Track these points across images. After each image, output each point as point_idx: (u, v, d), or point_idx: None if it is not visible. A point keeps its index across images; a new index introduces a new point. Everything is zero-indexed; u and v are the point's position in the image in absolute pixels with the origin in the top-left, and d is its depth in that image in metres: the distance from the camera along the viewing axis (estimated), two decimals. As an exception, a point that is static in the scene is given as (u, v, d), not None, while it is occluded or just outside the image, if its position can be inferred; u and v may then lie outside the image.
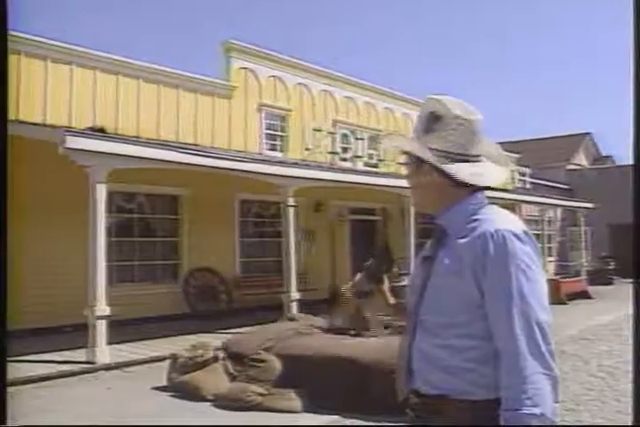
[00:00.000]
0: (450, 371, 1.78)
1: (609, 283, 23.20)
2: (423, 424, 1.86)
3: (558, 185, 28.63)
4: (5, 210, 2.50)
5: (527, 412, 1.63)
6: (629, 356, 8.86)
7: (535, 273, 1.75)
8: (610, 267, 24.37)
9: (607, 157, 36.82)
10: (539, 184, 26.07)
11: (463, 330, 1.78)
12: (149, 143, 9.80)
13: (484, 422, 1.74)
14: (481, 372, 1.76)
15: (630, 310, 13.06)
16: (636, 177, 2.42)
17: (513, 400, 1.66)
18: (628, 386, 7.08)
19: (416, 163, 1.97)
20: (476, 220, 1.85)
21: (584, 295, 18.20)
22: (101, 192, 8.42)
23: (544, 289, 1.77)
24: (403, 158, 2.00)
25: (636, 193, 2.40)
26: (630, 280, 20.07)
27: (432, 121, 1.96)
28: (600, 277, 22.93)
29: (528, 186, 23.91)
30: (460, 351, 1.78)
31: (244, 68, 15.59)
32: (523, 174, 23.80)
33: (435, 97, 1.99)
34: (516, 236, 1.76)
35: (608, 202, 24.99)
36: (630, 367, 8.14)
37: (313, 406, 6.08)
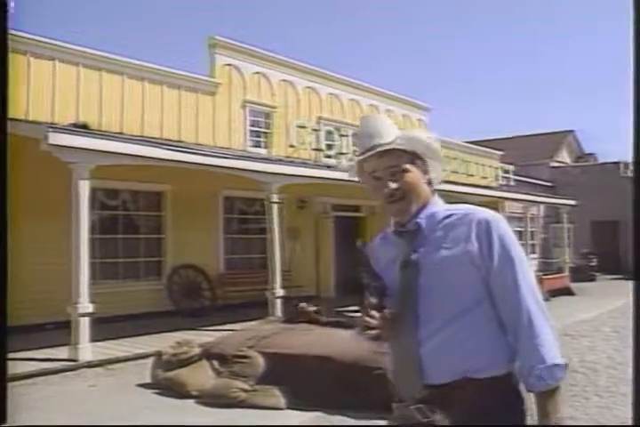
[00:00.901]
0: (468, 354, 1.89)
1: (591, 279, 23.41)
2: (437, 414, 1.90)
3: (541, 182, 28.82)
4: (5, 208, 2.50)
5: (552, 363, 1.84)
6: (611, 351, 8.99)
7: (520, 247, 2.01)
8: (592, 263, 24.58)
9: (590, 154, 37.09)
10: (522, 181, 26.21)
11: (472, 315, 1.92)
12: (133, 140, 9.76)
13: (503, 397, 1.89)
14: (494, 350, 1.91)
15: (612, 306, 13.22)
16: (636, 176, 2.45)
17: (536, 357, 1.84)
18: (609, 382, 7.16)
19: (411, 160, 2.07)
20: (459, 211, 2.03)
21: (566, 292, 18.33)
22: (84, 189, 8.38)
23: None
24: (387, 165, 2.06)
25: (636, 191, 2.43)
26: (612, 277, 20.32)
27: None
28: (582, 273, 23.10)
29: (511, 183, 24.01)
30: (473, 335, 1.90)
31: (229, 64, 15.54)
32: (506, 171, 23.88)
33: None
34: (504, 222, 2.00)
35: (591, 199, 25.20)
36: (609, 362, 8.25)
37: (297, 402, 6.10)
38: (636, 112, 2.32)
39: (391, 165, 2.04)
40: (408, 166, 2.05)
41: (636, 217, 2.43)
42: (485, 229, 1.95)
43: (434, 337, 1.91)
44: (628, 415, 5.76)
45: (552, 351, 1.85)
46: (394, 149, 2.05)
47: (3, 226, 2.48)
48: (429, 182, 2.10)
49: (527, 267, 1.97)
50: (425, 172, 2.09)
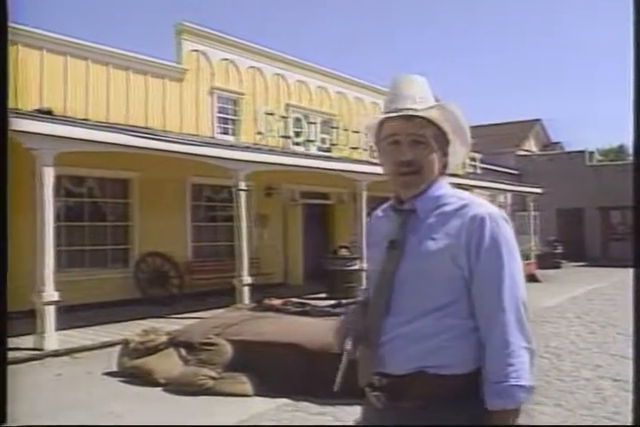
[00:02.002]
0: (430, 350, 1.80)
1: (556, 266, 23.73)
2: (394, 404, 1.85)
3: (508, 170, 29.07)
4: (5, 201, 2.47)
5: (515, 384, 1.73)
6: (574, 337, 9.15)
7: (518, 255, 1.88)
8: (557, 251, 24.90)
9: (556, 143, 37.52)
10: (489, 169, 26.40)
11: (445, 311, 1.82)
12: (98, 126, 9.66)
13: (462, 395, 1.79)
14: (461, 348, 1.81)
15: (576, 292, 13.43)
16: (636, 174, 2.47)
17: (500, 373, 1.74)
18: (572, 367, 7.30)
19: (435, 137, 1.95)
20: (457, 202, 1.91)
21: (532, 279, 18.57)
22: (49, 176, 8.28)
23: (522, 265, 1.90)
24: (416, 133, 1.92)
25: (636, 179, 2.44)
26: (577, 264, 20.64)
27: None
28: (548, 260, 23.41)
29: (478, 171, 24.16)
30: (442, 332, 1.81)
31: (196, 50, 15.40)
32: (473, 159, 24.00)
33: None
34: (504, 219, 1.87)
35: (556, 187, 25.52)
36: (572, 348, 8.40)
37: (264, 389, 6.12)
38: (636, 108, 2.33)
39: (416, 133, 1.91)
40: (431, 140, 1.92)
41: (636, 206, 2.43)
42: (478, 228, 1.82)
43: (399, 328, 1.84)
44: (588, 399, 5.90)
45: (520, 371, 1.73)
46: (424, 118, 1.92)
47: (3, 224, 2.46)
48: (444, 165, 2.00)
49: (517, 275, 1.83)
50: (445, 153, 1.99)
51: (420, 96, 1.96)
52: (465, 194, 1.96)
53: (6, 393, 2.60)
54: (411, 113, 1.91)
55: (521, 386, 1.73)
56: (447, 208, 1.89)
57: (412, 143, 1.91)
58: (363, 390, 1.97)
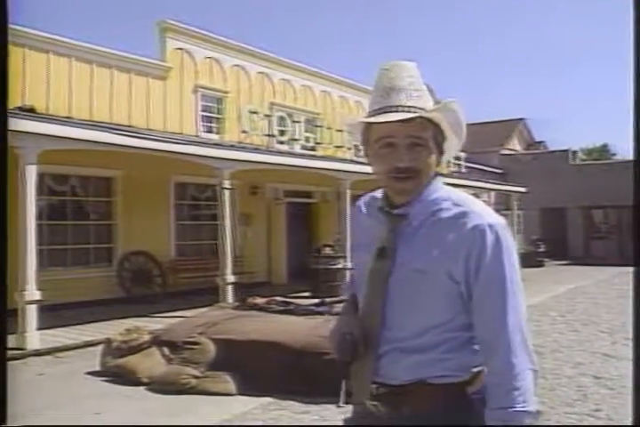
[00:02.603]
0: (428, 362, 1.72)
1: (539, 265, 23.86)
2: (393, 413, 1.77)
3: (492, 169, 29.20)
4: (5, 201, 2.45)
5: (521, 409, 1.62)
6: (556, 335, 9.21)
7: (519, 268, 1.73)
8: (540, 250, 25.04)
9: (540, 142, 37.74)
10: (473, 168, 26.51)
11: (444, 327, 1.72)
12: (82, 124, 9.61)
13: (457, 401, 1.72)
14: (460, 359, 1.72)
15: (559, 291, 13.51)
16: (636, 173, 2.45)
17: (506, 398, 1.62)
18: (554, 364, 7.35)
19: (434, 137, 1.77)
20: (452, 209, 1.73)
21: (515, 277, 18.64)
22: (32, 174, 8.23)
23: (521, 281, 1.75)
24: (417, 134, 1.72)
25: (636, 186, 2.43)
26: (560, 262, 20.74)
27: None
28: (531, 259, 23.51)
29: (463, 170, 24.24)
30: (440, 345, 1.72)
31: (180, 48, 15.36)
32: (458, 158, 24.09)
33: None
34: (505, 229, 1.71)
35: (540, 186, 25.67)
36: (555, 346, 8.46)
37: (247, 388, 6.12)
38: (636, 108, 2.32)
39: (413, 135, 1.71)
40: (430, 142, 1.74)
41: (636, 205, 2.41)
42: (479, 240, 1.66)
43: (396, 343, 1.75)
44: (570, 396, 5.95)
45: (525, 395, 1.62)
46: (423, 118, 1.72)
47: (2, 224, 2.44)
48: (438, 164, 1.81)
49: (519, 293, 1.70)
50: (442, 151, 1.81)
51: (415, 88, 1.76)
52: (462, 197, 1.78)
53: (6, 393, 2.58)
54: (411, 115, 1.70)
55: (528, 412, 1.62)
56: (443, 215, 1.72)
57: (410, 146, 1.71)
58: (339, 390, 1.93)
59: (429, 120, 1.73)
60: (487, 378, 1.69)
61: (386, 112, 1.72)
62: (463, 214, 1.70)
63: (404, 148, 1.71)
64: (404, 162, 1.70)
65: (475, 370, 1.73)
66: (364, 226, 1.91)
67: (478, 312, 1.69)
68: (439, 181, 1.81)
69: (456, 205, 1.73)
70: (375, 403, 1.80)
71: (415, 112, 1.71)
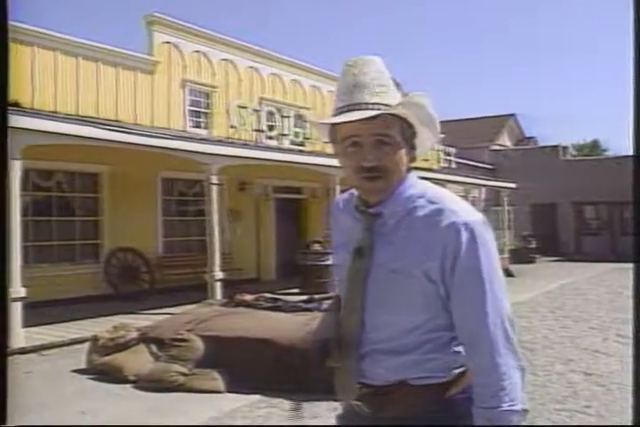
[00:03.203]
0: (410, 363, 1.71)
1: (530, 261, 23.97)
2: (376, 414, 1.78)
3: (482, 165, 29.28)
4: (5, 201, 2.44)
5: (508, 409, 1.60)
6: (547, 332, 9.25)
7: (499, 264, 1.70)
8: (531, 246, 25.17)
9: (530, 137, 37.84)
10: (463, 164, 26.58)
11: (424, 328, 1.70)
12: (67, 118, 9.57)
13: (441, 402, 1.71)
14: (441, 359, 1.71)
15: (549, 287, 13.53)
16: (636, 169, 2.46)
17: (492, 398, 1.61)
18: (545, 361, 7.38)
19: (402, 132, 1.72)
20: (427, 206, 1.69)
21: (506, 273, 18.50)
22: (16, 169, 8.18)
23: (503, 278, 1.72)
24: (382, 130, 1.69)
25: (636, 183, 2.43)
26: (551, 258, 20.76)
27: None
28: (522, 255, 23.63)
29: (453, 166, 24.32)
30: (420, 346, 1.70)
31: (167, 42, 15.29)
32: (447, 154, 24.17)
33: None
34: (483, 226, 1.67)
35: (530, 182, 25.74)
36: (545, 342, 8.50)
37: (236, 386, 6.12)
38: (636, 104, 2.32)
39: (379, 133, 1.68)
40: (398, 138, 1.70)
41: (636, 201, 2.42)
42: (454, 238, 1.63)
43: (376, 344, 1.74)
44: (560, 393, 5.98)
45: (511, 394, 1.61)
46: (387, 114, 1.67)
47: (2, 224, 2.43)
48: (412, 159, 1.78)
49: (499, 289, 1.66)
50: (412, 146, 1.77)
51: (380, 84, 1.72)
52: (438, 193, 1.74)
53: (6, 394, 2.57)
54: (374, 113, 1.65)
55: (515, 411, 1.61)
56: (418, 213, 1.69)
57: (375, 144, 1.68)
58: (327, 387, 1.92)
59: (395, 116, 1.69)
60: (472, 378, 1.67)
61: (349, 110, 1.69)
62: (438, 212, 1.67)
63: (370, 146, 1.68)
64: (370, 161, 1.68)
65: (458, 371, 1.72)
66: (343, 224, 1.90)
67: (457, 312, 1.67)
68: (413, 176, 1.78)
69: (431, 202, 1.70)
70: (358, 403, 1.80)
71: (379, 109, 1.67)
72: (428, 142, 1.84)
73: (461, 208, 1.69)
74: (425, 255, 1.65)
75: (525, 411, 1.63)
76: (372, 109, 1.67)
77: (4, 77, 2.39)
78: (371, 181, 1.70)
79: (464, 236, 1.63)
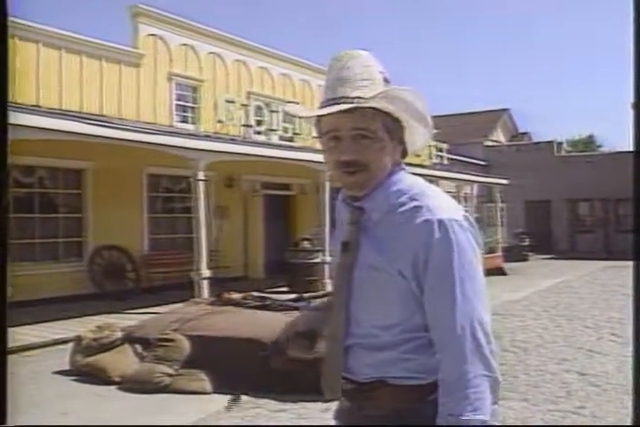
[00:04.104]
0: (388, 361, 1.71)
1: (524, 259, 24.06)
2: (358, 411, 1.79)
3: (475, 161, 29.34)
4: (5, 201, 2.42)
5: (468, 418, 1.58)
6: (541, 331, 9.28)
7: (476, 267, 1.67)
8: (525, 243, 25.24)
9: (524, 133, 37.94)
10: (456, 160, 26.62)
11: (401, 327, 1.70)
12: (50, 113, 9.52)
13: (419, 405, 1.70)
14: (421, 360, 1.69)
15: (543, 286, 13.57)
16: (635, 165, 2.46)
17: (454, 406, 1.59)
18: (538, 361, 7.41)
19: (385, 127, 1.72)
20: (408, 203, 1.69)
21: (499, 272, 18.78)
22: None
23: (483, 282, 1.69)
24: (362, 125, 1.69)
25: (636, 179, 2.43)
26: (544, 256, 20.83)
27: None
28: (515, 253, 23.71)
29: (445, 162, 24.34)
30: (399, 345, 1.70)
31: (153, 34, 15.22)
32: (439, 150, 24.19)
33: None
34: (460, 225, 1.65)
35: (524, 179, 25.82)
36: (539, 341, 8.52)
37: (223, 386, 6.11)
38: (636, 99, 2.32)
39: (358, 127, 1.69)
40: (380, 133, 1.70)
41: (636, 197, 2.42)
42: (427, 236, 1.62)
43: (357, 338, 1.76)
44: (554, 393, 5.99)
45: (475, 404, 1.58)
46: (369, 108, 1.68)
47: (2, 225, 2.41)
48: (403, 153, 1.80)
49: (471, 293, 1.63)
50: (400, 140, 1.77)
51: (364, 78, 1.72)
52: (422, 190, 1.73)
53: (6, 394, 2.56)
54: (352, 105, 1.66)
55: (476, 420, 1.58)
56: (399, 209, 1.69)
57: (355, 138, 1.69)
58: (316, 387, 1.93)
59: (376, 110, 1.69)
60: (439, 382, 1.65)
61: (330, 105, 1.69)
62: (415, 209, 1.66)
63: (349, 140, 1.69)
64: (348, 155, 1.69)
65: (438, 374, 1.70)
66: (340, 218, 1.92)
67: (428, 313, 1.66)
68: (402, 172, 1.79)
69: (412, 199, 1.70)
70: (342, 398, 1.83)
71: (359, 103, 1.67)
72: (420, 137, 1.84)
73: (440, 206, 1.67)
74: (399, 252, 1.65)
75: (486, 423, 1.59)
76: (352, 103, 1.67)
77: (4, 74, 2.39)
78: (350, 176, 1.72)
79: (436, 234, 1.62)
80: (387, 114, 1.71)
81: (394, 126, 1.74)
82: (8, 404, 2.52)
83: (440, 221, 1.63)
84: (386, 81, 1.77)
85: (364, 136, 1.69)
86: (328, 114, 1.68)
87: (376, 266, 1.69)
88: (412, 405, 1.71)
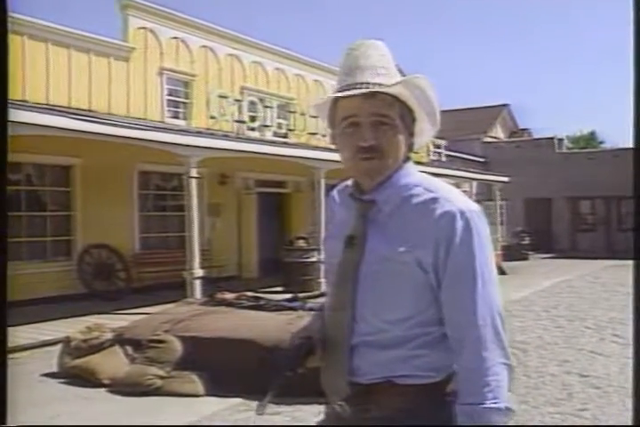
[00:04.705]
0: (396, 359, 1.70)
1: (524, 258, 24.07)
2: (360, 415, 1.75)
3: (474, 158, 29.36)
4: (5, 201, 2.41)
5: (491, 406, 1.60)
6: (541, 332, 9.29)
7: (493, 258, 1.72)
8: (525, 242, 25.25)
9: (524, 129, 37.99)
10: (454, 157, 26.65)
11: (413, 320, 1.70)
12: (38, 108, 9.48)
13: (429, 405, 1.70)
14: (430, 357, 1.70)
15: (543, 285, 13.58)
16: (636, 163, 2.47)
17: (475, 394, 1.61)
18: (538, 362, 7.42)
19: (401, 116, 1.75)
20: (424, 194, 1.71)
21: (498, 271, 18.68)
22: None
23: (496, 272, 1.73)
24: (382, 112, 1.71)
25: (636, 177, 2.44)
26: (545, 255, 20.83)
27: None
28: (515, 252, 23.72)
29: (443, 159, 24.38)
30: (409, 340, 1.70)
31: (143, 27, 15.18)
32: (438, 146, 24.24)
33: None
34: (478, 216, 1.69)
35: (524, 176, 25.84)
36: (539, 342, 8.53)
37: (216, 388, 6.10)
38: (636, 98, 2.33)
39: (379, 113, 1.71)
40: (397, 121, 1.73)
41: (636, 195, 2.42)
42: (449, 226, 1.64)
43: (364, 336, 1.74)
44: (554, 395, 6.00)
45: (495, 392, 1.61)
46: (388, 95, 1.71)
47: (3, 225, 2.40)
48: (410, 147, 1.81)
49: (491, 283, 1.67)
50: (411, 133, 1.80)
51: (382, 66, 1.75)
52: (434, 183, 1.76)
53: (6, 394, 2.56)
54: (375, 89, 1.69)
55: (498, 409, 1.61)
56: (413, 201, 1.71)
57: (374, 125, 1.70)
58: (323, 393, 1.88)
59: (395, 98, 1.72)
60: (458, 373, 1.67)
61: (349, 89, 1.72)
62: (434, 200, 1.69)
63: (368, 126, 1.71)
64: (368, 140, 1.70)
65: (449, 372, 1.70)
66: (338, 216, 1.92)
67: (446, 304, 1.68)
68: (411, 166, 1.81)
69: (428, 190, 1.72)
70: (342, 403, 1.78)
71: (381, 88, 1.71)
72: (426, 133, 1.88)
73: (458, 198, 1.71)
74: (418, 243, 1.66)
75: (509, 410, 1.64)
76: (374, 88, 1.70)
77: (4, 71, 2.38)
78: (366, 161, 1.72)
79: (459, 224, 1.64)
80: (403, 103, 1.74)
81: (408, 117, 1.77)
82: (8, 404, 2.54)
83: (462, 212, 1.66)
84: (400, 72, 1.80)
85: (383, 123, 1.71)
86: (351, 96, 1.70)
87: (390, 257, 1.68)
88: (422, 405, 1.70)
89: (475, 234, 1.65)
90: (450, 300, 1.67)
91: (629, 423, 4.51)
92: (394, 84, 1.71)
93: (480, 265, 1.66)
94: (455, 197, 1.70)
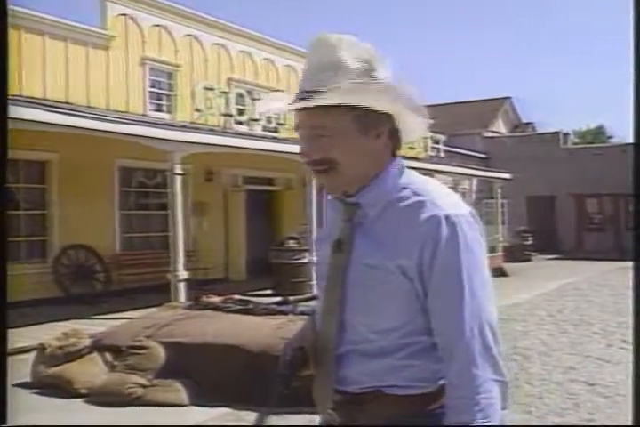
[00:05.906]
0: (385, 369, 1.71)
1: (527, 259, 24.10)
2: (347, 423, 1.78)
3: (474, 154, 29.41)
4: (5, 202, 2.41)
5: (481, 425, 1.59)
6: (545, 337, 9.30)
7: (484, 264, 1.69)
8: (527, 242, 25.28)
9: (528, 123, 38.06)
10: (453, 152, 26.68)
11: (403, 330, 1.69)
12: (10, 99, 9.42)
13: (419, 417, 1.70)
14: (420, 367, 1.70)
15: (547, 288, 13.61)
16: (636, 161, 2.47)
17: (463, 413, 1.60)
18: (542, 369, 7.41)
19: (357, 120, 1.69)
20: (411, 197, 1.68)
21: (500, 273, 18.80)
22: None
23: (489, 278, 1.70)
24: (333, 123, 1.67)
25: (636, 174, 2.44)
26: (548, 256, 20.85)
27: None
28: (517, 253, 23.75)
29: (441, 154, 24.41)
30: (398, 350, 1.70)
31: (124, 14, 15.15)
32: (436, 142, 24.27)
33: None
34: (467, 221, 1.66)
35: (527, 172, 25.86)
36: (543, 348, 8.53)
37: (201, 397, 6.08)
38: (636, 92, 2.33)
39: (314, 126, 1.70)
40: (344, 129, 1.68)
41: (636, 194, 2.41)
42: (433, 232, 1.62)
43: (352, 345, 1.74)
44: (559, 404, 6.00)
45: (486, 411, 1.59)
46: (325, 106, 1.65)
47: (2, 225, 2.40)
48: (395, 145, 1.78)
49: (481, 292, 1.64)
50: (381, 133, 1.73)
51: (327, 68, 1.67)
52: (425, 185, 1.74)
53: (6, 394, 2.65)
54: (304, 103, 1.66)
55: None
56: (400, 205, 1.69)
57: (313, 137, 1.69)
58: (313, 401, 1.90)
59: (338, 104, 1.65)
60: (446, 388, 1.66)
61: (295, 100, 1.71)
62: (420, 204, 1.66)
63: (308, 138, 1.71)
64: (306, 154, 1.72)
65: (440, 382, 1.70)
66: (329, 218, 1.92)
67: (433, 313, 1.67)
68: (397, 165, 1.77)
69: (415, 193, 1.70)
70: (331, 411, 1.80)
71: (311, 98, 1.66)
72: (414, 126, 1.83)
73: (446, 201, 1.68)
74: (402, 250, 1.64)
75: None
76: (307, 99, 1.67)
77: (4, 67, 2.37)
78: (319, 175, 1.74)
79: (444, 230, 1.62)
80: (354, 107, 1.66)
81: (369, 119, 1.69)
82: (8, 404, 2.56)
83: (447, 217, 1.63)
84: (369, 68, 1.71)
85: (321, 135, 1.68)
86: (288, 111, 1.73)
87: (375, 264, 1.67)
88: (412, 416, 1.70)
89: (461, 240, 1.62)
90: (436, 309, 1.66)
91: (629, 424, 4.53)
92: (330, 91, 1.63)
93: (468, 273, 1.63)
94: (444, 201, 1.68)
